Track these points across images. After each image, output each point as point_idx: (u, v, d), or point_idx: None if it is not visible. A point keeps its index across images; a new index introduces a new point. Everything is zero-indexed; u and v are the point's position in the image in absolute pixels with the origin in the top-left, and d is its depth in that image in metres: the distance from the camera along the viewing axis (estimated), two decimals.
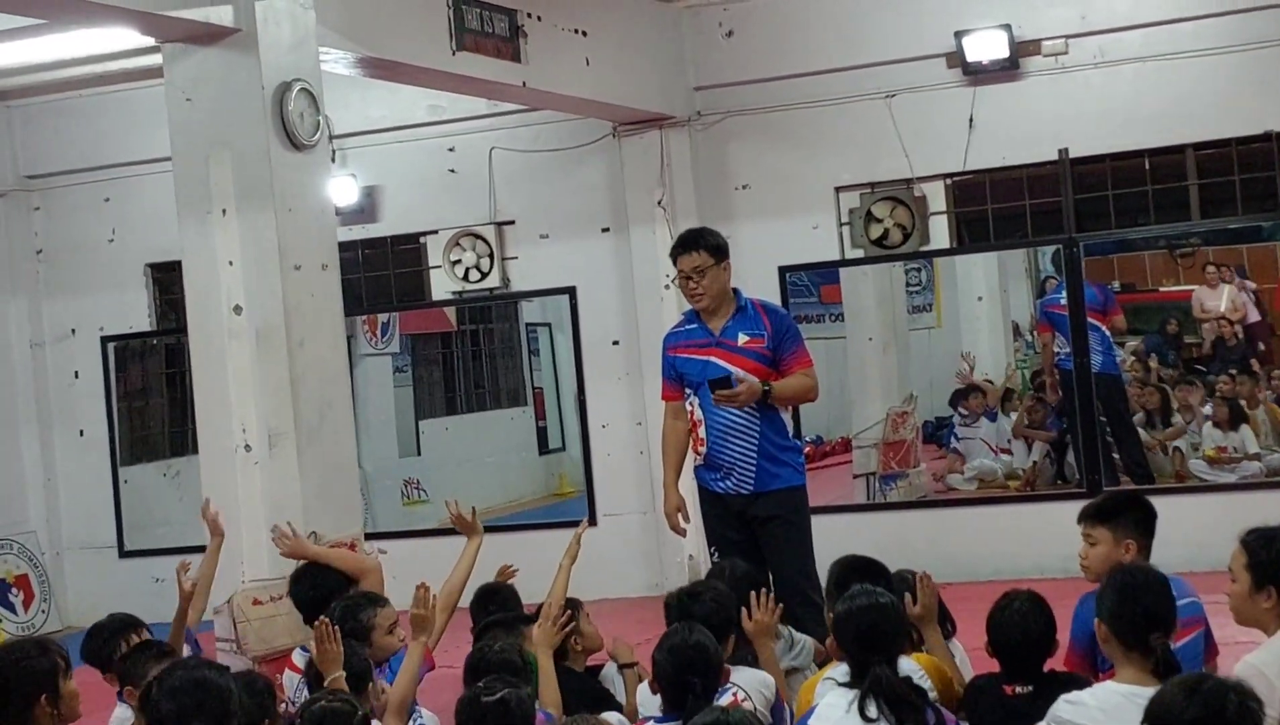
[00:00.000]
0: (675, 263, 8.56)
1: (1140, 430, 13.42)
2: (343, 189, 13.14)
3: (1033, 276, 14.86)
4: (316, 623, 6.22)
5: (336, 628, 6.24)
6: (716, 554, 8.50)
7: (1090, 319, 12.87)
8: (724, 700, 5.72)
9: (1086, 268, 12.72)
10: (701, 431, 8.52)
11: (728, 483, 8.51)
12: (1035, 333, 14.41)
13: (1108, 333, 13.18)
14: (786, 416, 8.61)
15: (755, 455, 8.41)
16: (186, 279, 8.94)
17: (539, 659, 6.53)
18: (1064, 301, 13.01)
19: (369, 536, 9.85)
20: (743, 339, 8.46)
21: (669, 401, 8.81)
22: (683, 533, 8.94)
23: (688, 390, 8.62)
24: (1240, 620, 5.47)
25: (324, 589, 7.55)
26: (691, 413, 8.60)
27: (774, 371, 8.47)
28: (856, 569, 6.56)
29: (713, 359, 8.48)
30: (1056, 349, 13.39)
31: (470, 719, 5.25)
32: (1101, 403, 12.86)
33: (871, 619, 5.65)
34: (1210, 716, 4.16)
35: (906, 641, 6.00)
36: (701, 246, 8.46)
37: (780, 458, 8.47)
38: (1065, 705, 5.22)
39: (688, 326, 8.71)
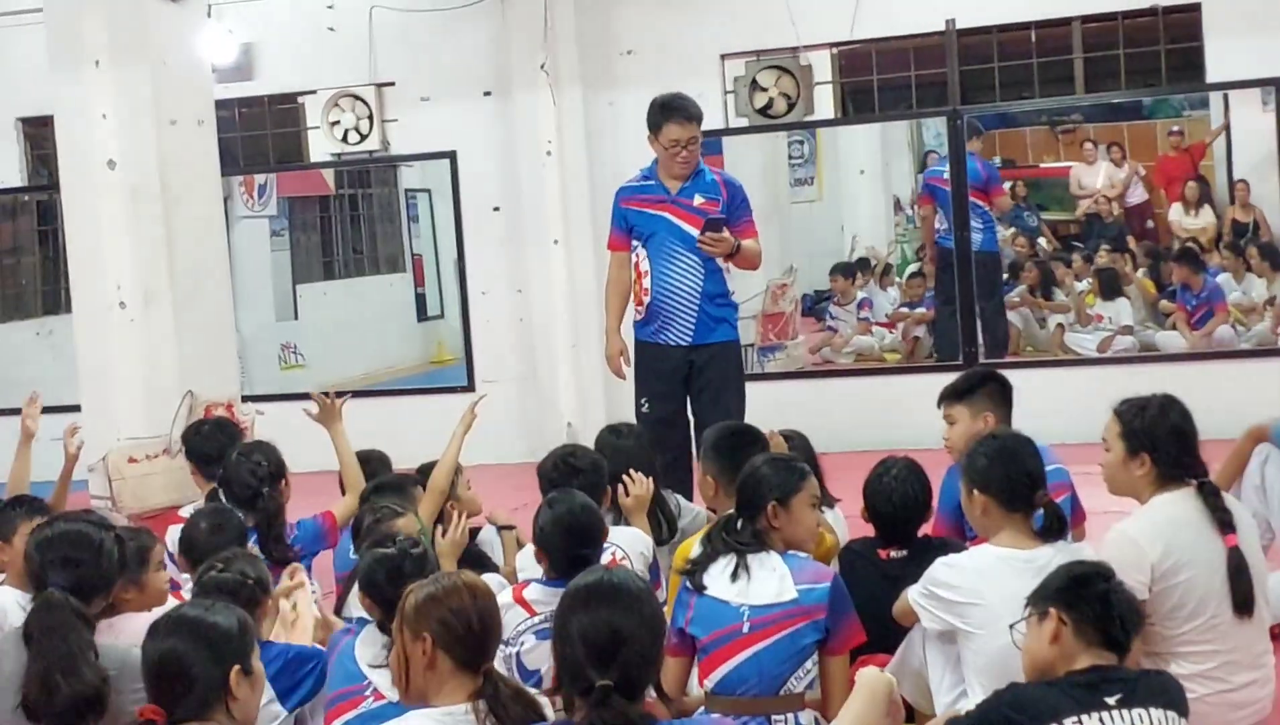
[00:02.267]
0: (664, 127, 8.61)
1: (1014, 301, 13.54)
2: (219, 45, 12.89)
3: (915, 150, 14.91)
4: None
5: None
6: (647, 404, 8.73)
7: (972, 197, 12.91)
8: (604, 559, 5.74)
9: (954, 143, 12.71)
10: (646, 282, 8.70)
11: (667, 334, 8.68)
12: (916, 206, 14.45)
13: (989, 210, 13.21)
14: (728, 275, 8.74)
15: (696, 307, 8.60)
16: (59, 133, 8.80)
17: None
18: (946, 175, 13.06)
19: (245, 399, 9.77)
20: (699, 200, 8.62)
21: (615, 251, 8.96)
22: (623, 376, 9.05)
23: (635, 242, 8.77)
24: (1113, 490, 5.55)
25: (217, 444, 7.60)
26: (637, 264, 8.75)
27: None
28: (733, 435, 6.60)
29: (665, 215, 8.64)
30: (937, 225, 13.44)
31: (389, 573, 5.15)
32: (977, 280, 12.94)
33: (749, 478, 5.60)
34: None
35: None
36: (697, 117, 8.66)
37: (718, 312, 8.67)
38: (942, 568, 5.26)
39: (644, 181, 8.83)
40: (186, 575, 6.45)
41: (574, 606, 4.12)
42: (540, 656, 5.36)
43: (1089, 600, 4.38)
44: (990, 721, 4.30)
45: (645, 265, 8.71)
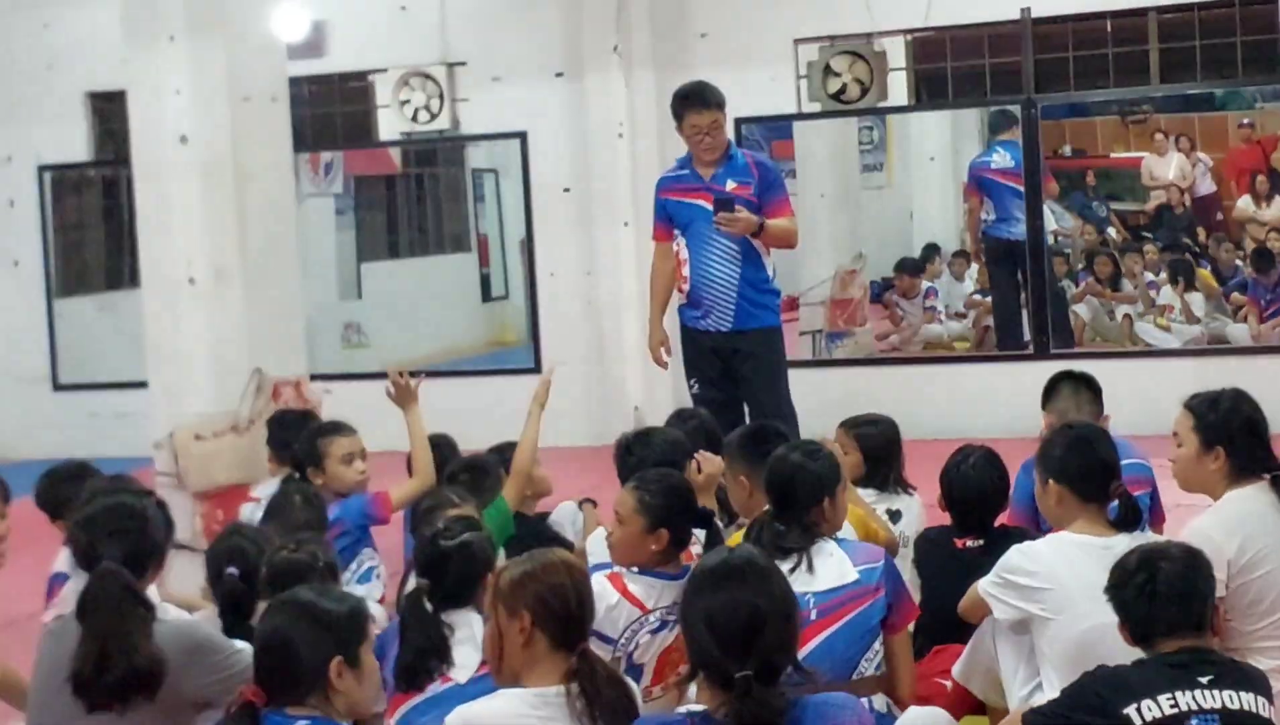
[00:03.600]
0: (684, 117, 8.84)
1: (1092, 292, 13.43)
2: (290, 22, 12.84)
3: (985, 138, 14.77)
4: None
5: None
6: (696, 386, 8.94)
7: (1013, 183, 12.86)
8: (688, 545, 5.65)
9: (1028, 132, 12.64)
10: (686, 270, 8.86)
11: (708, 320, 8.86)
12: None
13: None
14: (768, 261, 8.89)
15: (735, 295, 8.77)
16: (131, 108, 8.77)
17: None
18: (994, 165, 13.08)
19: (312, 378, 9.75)
20: (731, 185, 8.77)
21: (659, 242, 9.15)
22: (664, 366, 9.37)
23: (676, 231, 8.93)
24: (1185, 486, 5.52)
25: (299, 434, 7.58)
26: (678, 252, 8.92)
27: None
28: (759, 434, 6.39)
29: (701, 203, 8.78)
30: (984, 216, 13.36)
31: (431, 562, 5.14)
32: (1021, 269, 12.86)
33: (789, 476, 5.47)
34: (1150, 582, 4.36)
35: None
36: (716, 103, 8.84)
37: (759, 299, 8.85)
38: (1017, 554, 5.21)
39: (679, 171, 9.06)
40: None
41: (700, 592, 3.99)
42: (650, 653, 5.31)
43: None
44: (1082, 702, 4.29)
45: (684, 253, 8.90)
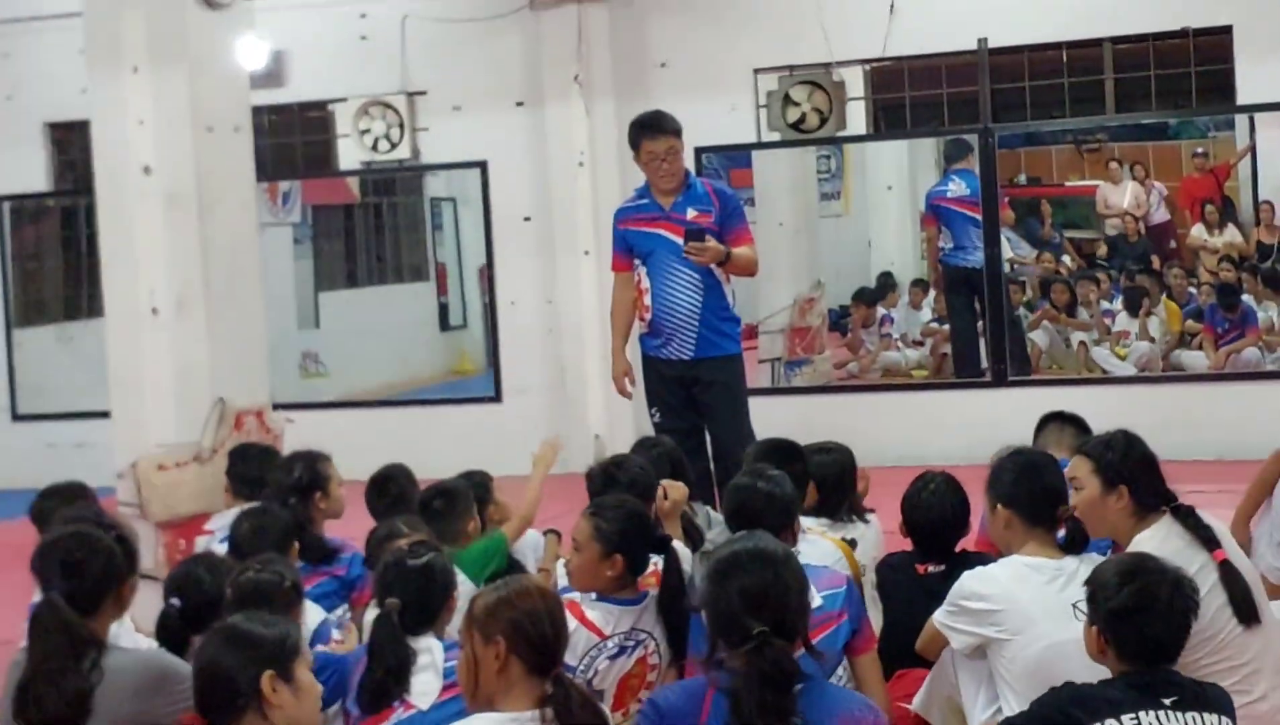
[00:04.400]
0: (640, 144, 8.86)
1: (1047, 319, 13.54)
2: (252, 52, 12.86)
3: (941, 167, 14.89)
4: None
5: None
6: (658, 414, 8.95)
7: (969, 212, 12.97)
8: (647, 570, 5.67)
9: (985, 161, 12.72)
10: (647, 299, 8.89)
11: (669, 349, 8.87)
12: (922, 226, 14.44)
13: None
14: (728, 289, 8.92)
15: (696, 323, 8.79)
16: (95, 138, 8.78)
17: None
18: (950, 194, 13.20)
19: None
20: (691, 214, 8.79)
21: (619, 272, 9.16)
22: (628, 395, 9.37)
23: (636, 261, 8.97)
24: (1093, 531, 5.49)
25: (260, 469, 7.60)
26: (639, 282, 8.94)
27: None
28: (770, 453, 6.55)
29: (661, 232, 8.82)
30: (941, 244, 13.47)
31: (397, 582, 5.18)
32: (979, 296, 12.95)
33: (749, 501, 5.62)
34: (1143, 594, 4.32)
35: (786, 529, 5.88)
36: (672, 130, 8.87)
37: (720, 327, 8.87)
38: (970, 579, 5.26)
39: (638, 201, 9.07)
40: None
41: (726, 571, 4.26)
42: (609, 679, 5.34)
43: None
44: (1047, 717, 4.32)
45: (646, 283, 8.91)
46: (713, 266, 8.75)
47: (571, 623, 5.09)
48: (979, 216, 12.86)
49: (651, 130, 8.87)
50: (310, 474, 7.18)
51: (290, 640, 4.32)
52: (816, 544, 6.07)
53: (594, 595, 5.43)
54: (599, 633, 5.32)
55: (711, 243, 8.58)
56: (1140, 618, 4.29)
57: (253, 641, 4.26)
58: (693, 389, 8.87)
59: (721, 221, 8.78)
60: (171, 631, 5.29)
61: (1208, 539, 5.17)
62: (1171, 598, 4.32)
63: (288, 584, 5.37)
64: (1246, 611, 5.06)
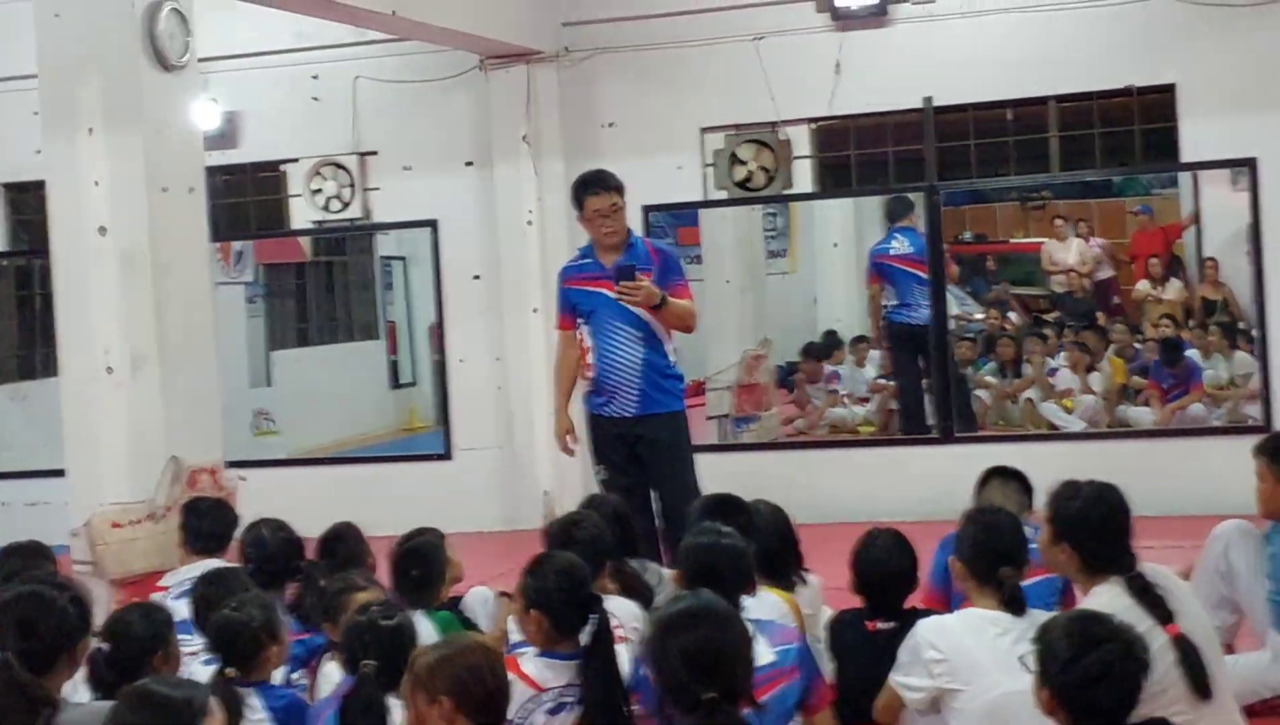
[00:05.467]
0: (585, 201, 8.98)
1: (991, 379, 13.65)
2: (204, 113, 12.95)
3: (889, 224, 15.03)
4: None
5: None
6: (603, 472, 9.03)
7: (912, 269, 13.09)
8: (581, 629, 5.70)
9: (931, 218, 12.81)
10: (590, 357, 8.98)
11: (613, 406, 8.97)
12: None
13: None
14: (669, 346, 9.02)
15: (639, 380, 8.89)
16: (51, 199, 8.82)
17: None
18: (893, 251, 13.33)
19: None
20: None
21: (563, 331, 9.26)
22: (571, 453, 9.44)
23: (579, 320, 9.05)
24: (1049, 568, 5.61)
25: (215, 523, 7.68)
26: (582, 340, 9.04)
27: None
28: (714, 508, 6.61)
29: (603, 291, 8.89)
30: (885, 302, 13.59)
31: (372, 644, 5.23)
32: (924, 353, 13.06)
33: (710, 559, 5.68)
34: (1100, 665, 4.29)
35: (749, 582, 5.95)
36: (614, 187, 8.99)
37: (662, 384, 8.98)
38: (924, 629, 5.33)
39: (582, 261, 9.19)
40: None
41: (669, 631, 4.33)
42: None
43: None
44: None
45: (589, 341, 9.00)
46: (654, 323, 8.85)
47: (509, 676, 5.15)
48: (922, 273, 12.96)
49: (594, 187, 8.99)
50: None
51: (197, 702, 4.30)
52: (763, 598, 6.06)
53: (536, 650, 5.44)
54: (536, 686, 5.30)
55: (645, 282, 8.68)
56: (1093, 688, 4.27)
57: (159, 703, 4.24)
58: (636, 446, 8.95)
59: (660, 277, 8.87)
60: (100, 677, 5.32)
61: (1160, 614, 5.11)
62: (1124, 665, 4.29)
63: (257, 624, 5.48)
64: (1201, 687, 5.04)
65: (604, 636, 5.37)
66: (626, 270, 8.72)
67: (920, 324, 13.04)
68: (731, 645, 4.36)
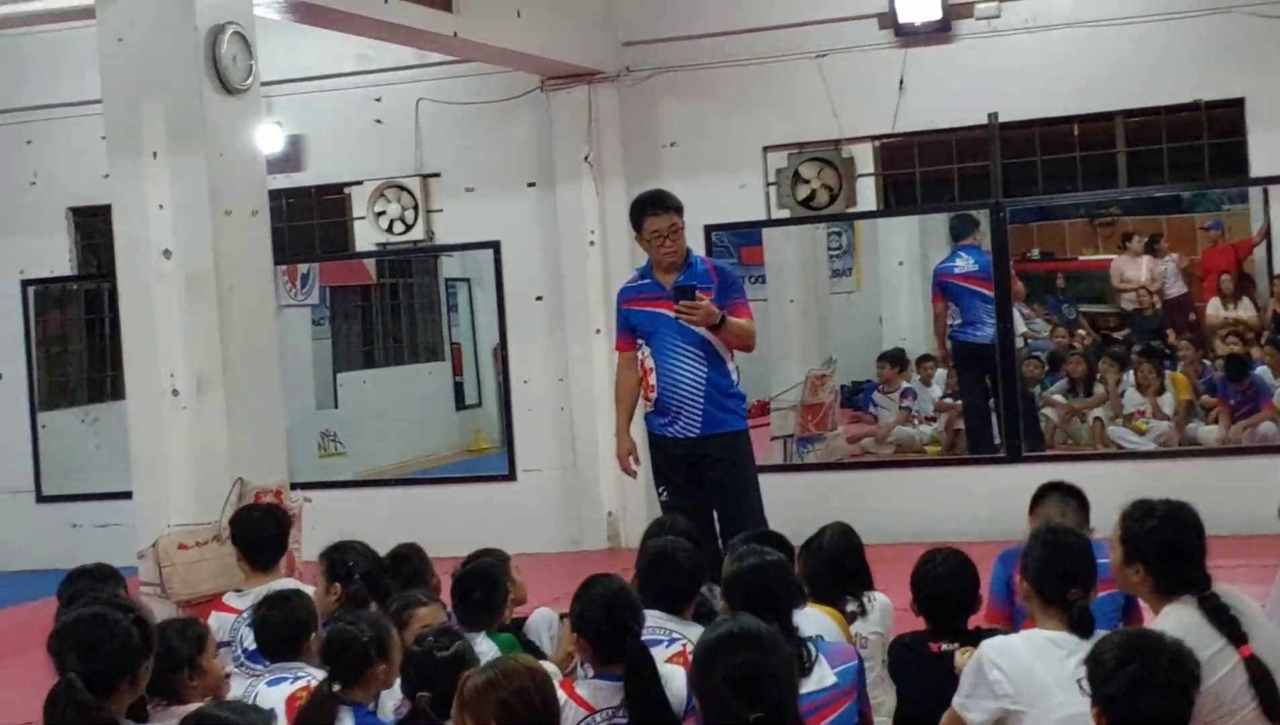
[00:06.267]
0: (644, 223, 8.89)
1: (1060, 397, 13.55)
2: (268, 136, 13.04)
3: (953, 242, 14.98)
4: None
5: None
6: (665, 493, 8.94)
7: (977, 287, 13.00)
8: (674, 650, 5.70)
9: (996, 236, 12.75)
10: (652, 378, 8.90)
11: (676, 427, 8.87)
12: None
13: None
14: (732, 366, 8.94)
15: (701, 400, 8.81)
16: (116, 223, 8.87)
17: None
18: (958, 269, 13.21)
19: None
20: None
21: (622, 352, 9.18)
22: (633, 474, 9.38)
23: (640, 341, 8.98)
24: (1119, 589, 5.54)
25: (267, 531, 7.66)
26: (643, 362, 8.97)
27: None
28: (760, 540, 6.49)
29: (664, 312, 8.81)
30: (950, 320, 13.50)
31: (428, 675, 5.22)
32: (990, 372, 12.96)
33: (759, 578, 5.61)
34: (1143, 674, 4.23)
35: (798, 597, 5.93)
36: (673, 207, 8.89)
37: (725, 403, 8.88)
38: (989, 648, 5.25)
39: (641, 281, 9.09)
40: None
41: (714, 655, 4.30)
42: None
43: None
44: None
45: (650, 362, 8.92)
46: (715, 342, 8.78)
47: (561, 697, 5.11)
48: (988, 292, 12.89)
49: (653, 207, 8.92)
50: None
51: None
52: (806, 614, 6.00)
53: (591, 672, 5.44)
54: (588, 707, 5.28)
55: (704, 301, 8.60)
56: (1139, 697, 4.22)
57: None
58: (700, 466, 8.87)
59: (719, 296, 8.78)
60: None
61: (1233, 635, 5.02)
62: (1169, 676, 4.24)
63: (367, 639, 5.51)
64: (1272, 707, 4.96)
65: (642, 660, 5.31)
66: (686, 290, 8.65)
67: (985, 342, 12.96)
68: (774, 667, 4.32)
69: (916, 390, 14.18)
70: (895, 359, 14.40)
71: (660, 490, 9.02)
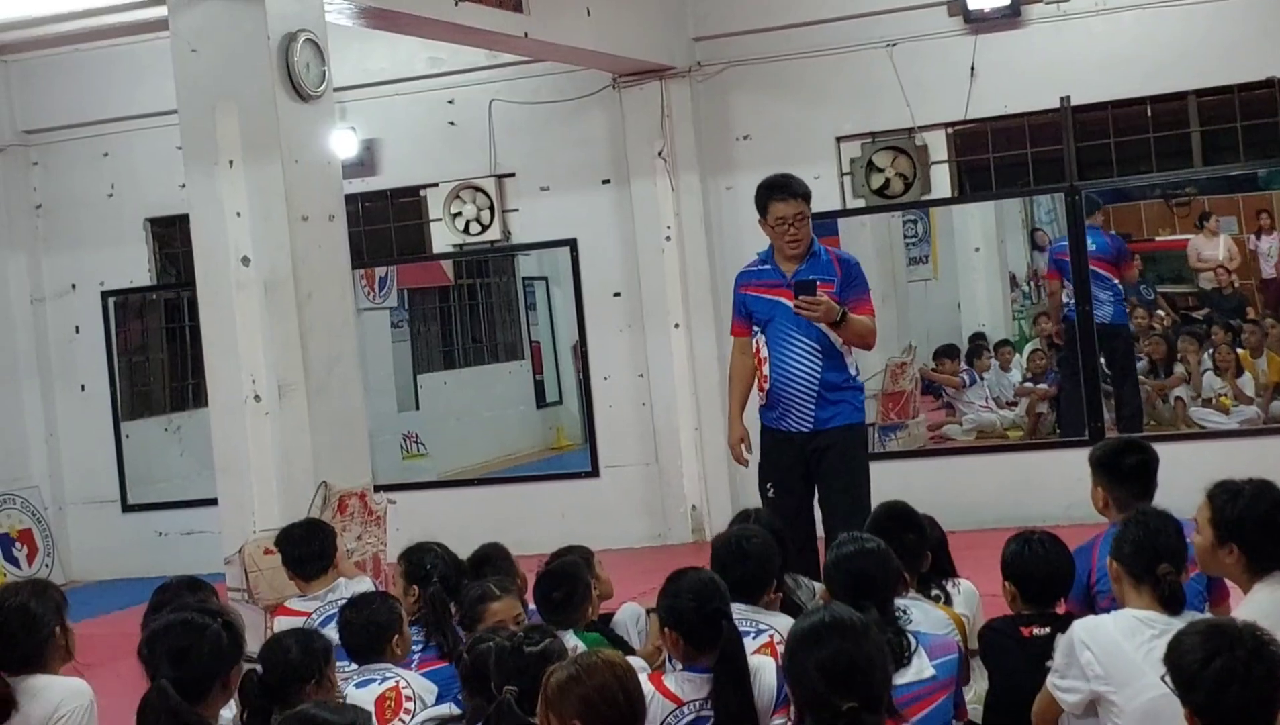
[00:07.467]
0: (769, 207, 8.63)
1: (1142, 378, 13.47)
2: (343, 141, 13.11)
3: (1029, 227, 14.89)
4: None
5: None
6: (772, 489, 8.70)
7: (1099, 268, 12.93)
8: (760, 641, 5.70)
9: (1072, 219, 12.70)
10: (766, 369, 8.67)
11: (788, 421, 8.65)
12: (1039, 282, 14.40)
13: (1118, 283, 13.17)
14: (850, 360, 8.71)
15: (814, 397, 8.57)
16: (194, 231, 8.95)
17: None
18: None
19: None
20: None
21: (737, 337, 8.96)
22: (745, 463, 9.08)
23: (755, 327, 8.76)
24: (1206, 571, 5.50)
25: (311, 547, 7.63)
26: (758, 351, 8.75)
27: None
28: (892, 517, 6.53)
29: (782, 300, 8.57)
30: (1066, 298, 13.40)
31: (517, 669, 5.19)
32: (1105, 353, 12.88)
33: (859, 565, 5.59)
34: (1225, 670, 4.17)
35: (899, 584, 5.90)
36: (801, 194, 8.63)
37: (839, 397, 8.63)
38: (1080, 628, 5.21)
39: (761, 266, 8.82)
40: None
41: (806, 645, 4.33)
42: None
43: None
44: None
45: (764, 352, 8.69)
46: (833, 336, 8.53)
47: (650, 691, 5.11)
48: (1106, 272, 12.88)
49: (780, 192, 8.62)
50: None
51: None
52: (929, 613, 6.03)
53: (679, 666, 5.44)
54: (676, 700, 5.28)
55: (824, 297, 8.35)
56: (1225, 693, 4.15)
57: None
58: (810, 460, 8.63)
59: (842, 290, 8.54)
60: (250, 700, 5.35)
61: None
62: (1254, 666, 4.16)
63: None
64: None
65: (733, 651, 5.31)
66: (806, 285, 8.36)
67: (1102, 322, 12.87)
68: (867, 656, 4.34)
69: (991, 377, 14.11)
70: (952, 354, 14.34)
71: (766, 486, 8.77)
